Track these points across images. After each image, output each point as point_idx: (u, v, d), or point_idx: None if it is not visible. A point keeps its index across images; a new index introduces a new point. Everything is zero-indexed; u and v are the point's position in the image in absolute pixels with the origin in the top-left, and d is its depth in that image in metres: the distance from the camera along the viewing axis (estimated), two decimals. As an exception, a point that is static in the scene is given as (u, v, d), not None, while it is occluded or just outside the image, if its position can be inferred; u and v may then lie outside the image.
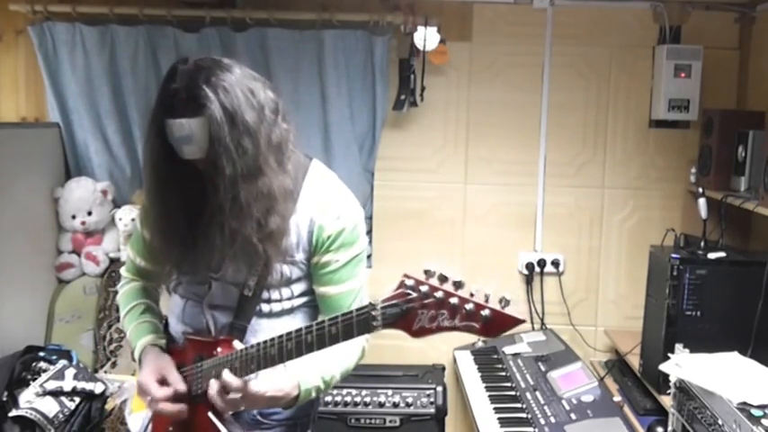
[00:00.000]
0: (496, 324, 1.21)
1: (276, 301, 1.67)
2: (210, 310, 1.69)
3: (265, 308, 1.66)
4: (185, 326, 1.75)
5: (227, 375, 1.49)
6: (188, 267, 1.67)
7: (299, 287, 1.68)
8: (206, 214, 1.56)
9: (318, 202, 1.63)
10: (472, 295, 1.23)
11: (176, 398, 1.63)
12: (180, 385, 1.64)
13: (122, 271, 1.93)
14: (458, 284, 1.23)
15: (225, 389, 1.50)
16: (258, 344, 1.51)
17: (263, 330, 1.65)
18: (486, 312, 1.21)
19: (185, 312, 1.75)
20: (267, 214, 1.53)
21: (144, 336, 1.76)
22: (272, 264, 1.59)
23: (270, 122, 1.53)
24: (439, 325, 1.24)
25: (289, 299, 1.68)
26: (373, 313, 1.31)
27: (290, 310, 1.69)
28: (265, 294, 1.65)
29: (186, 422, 1.65)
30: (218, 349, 1.62)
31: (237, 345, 1.57)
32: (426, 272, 1.25)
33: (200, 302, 1.71)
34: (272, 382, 1.51)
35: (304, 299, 1.70)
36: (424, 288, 1.25)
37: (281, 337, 1.47)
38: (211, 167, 1.49)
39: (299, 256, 1.64)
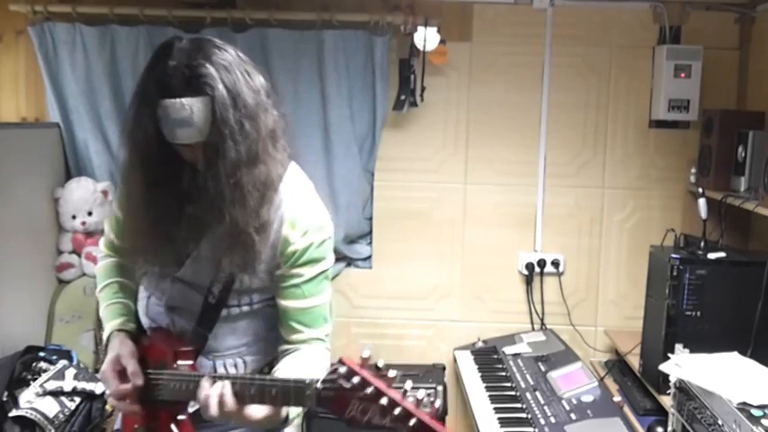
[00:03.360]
0: None
1: (235, 306, 1.61)
2: (169, 313, 1.64)
3: (223, 312, 1.61)
4: (150, 321, 1.69)
5: (228, 397, 1.37)
6: (153, 260, 1.59)
7: (258, 296, 1.63)
8: (187, 206, 1.50)
9: (288, 213, 1.54)
10: (405, 395, 1.18)
11: (134, 393, 1.56)
12: (137, 379, 1.55)
13: (100, 244, 1.85)
14: (392, 380, 1.20)
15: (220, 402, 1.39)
16: (213, 377, 1.42)
17: (223, 334, 1.62)
18: (413, 422, 1.16)
19: (149, 308, 1.69)
20: (261, 203, 1.47)
21: (113, 318, 1.69)
22: (259, 260, 1.51)
23: (265, 107, 1.47)
24: (369, 420, 1.20)
25: (248, 305, 1.62)
26: (307, 392, 1.27)
27: (250, 313, 1.64)
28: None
29: (150, 424, 1.61)
30: (178, 362, 1.55)
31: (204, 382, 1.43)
32: (363, 359, 1.22)
33: (161, 303, 1.65)
34: (264, 408, 1.39)
35: (264, 303, 1.64)
36: (356, 379, 1.21)
37: (230, 377, 1.40)
38: (210, 152, 1.42)
39: (260, 267, 1.55)
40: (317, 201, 1.62)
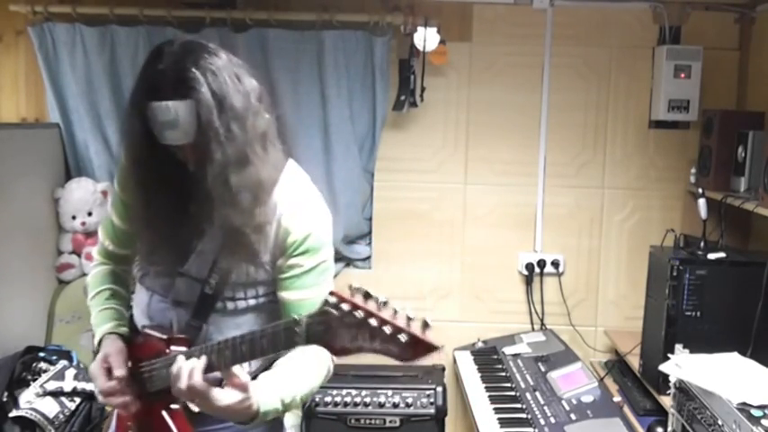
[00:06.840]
0: (413, 350, 1.18)
1: (241, 299, 1.62)
2: (175, 308, 1.65)
3: (230, 305, 1.61)
4: (150, 320, 1.69)
5: (197, 378, 1.40)
6: (158, 258, 1.62)
7: (263, 288, 1.63)
8: (189, 203, 1.53)
9: (288, 204, 1.56)
10: (395, 315, 1.18)
11: (124, 389, 1.59)
12: (119, 371, 1.58)
13: (94, 252, 1.87)
14: (382, 304, 1.19)
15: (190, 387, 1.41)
16: (201, 347, 1.46)
17: (228, 327, 1.60)
18: (402, 337, 1.17)
19: (151, 307, 1.69)
20: (255, 204, 1.49)
21: (104, 323, 1.70)
22: (259, 257, 1.54)
23: (255, 110, 1.49)
24: (359, 346, 1.21)
25: (254, 297, 1.63)
26: (296, 329, 1.28)
27: (255, 308, 1.64)
28: (229, 293, 1.61)
29: (143, 420, 1.63)
30: (171, 348, 1.57)
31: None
32: (351, 288, 1.22)
33: (166, 298, 1.66)
34: (233, 395, 1.40)
35: (269, 298, 1.65)
36: (345, 306, 1.21)
37: (219, 343, 1.42)
38: (198, 154, 1.44)
39: (265, 258, 1.58)
40: (315, 193, 1.65)
